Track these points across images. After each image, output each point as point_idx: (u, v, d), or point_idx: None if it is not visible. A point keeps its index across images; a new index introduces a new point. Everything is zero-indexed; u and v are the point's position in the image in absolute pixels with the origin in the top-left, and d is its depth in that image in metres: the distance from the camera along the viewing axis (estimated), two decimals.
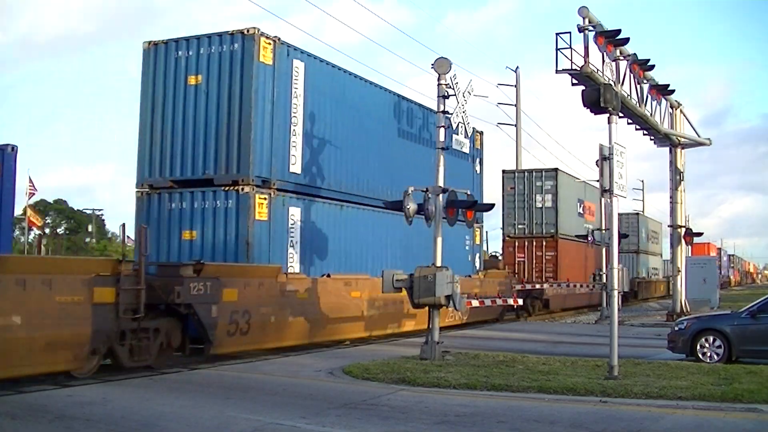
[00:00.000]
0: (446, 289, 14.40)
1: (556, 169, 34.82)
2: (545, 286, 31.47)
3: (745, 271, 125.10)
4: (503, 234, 34.41)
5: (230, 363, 14.26)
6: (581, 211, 37.29)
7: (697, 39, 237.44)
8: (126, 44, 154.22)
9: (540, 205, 33.98)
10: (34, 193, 54.31)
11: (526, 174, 35.02)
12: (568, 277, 33.73)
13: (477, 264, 26.86)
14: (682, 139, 28.50)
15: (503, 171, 35.07)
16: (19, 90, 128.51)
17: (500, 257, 34.46)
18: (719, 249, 69.71)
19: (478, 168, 26.73)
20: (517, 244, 33.88)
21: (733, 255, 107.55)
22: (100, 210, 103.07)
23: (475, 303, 23.19)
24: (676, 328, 15.68)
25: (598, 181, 12.83)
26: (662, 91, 25.38)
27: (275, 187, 16.76)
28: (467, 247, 25.78)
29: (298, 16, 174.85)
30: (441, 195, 15.11)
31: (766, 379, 11.49)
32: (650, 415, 9.30)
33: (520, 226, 34.06)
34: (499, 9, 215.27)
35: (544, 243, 33.54)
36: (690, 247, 33.26)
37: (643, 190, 75.32)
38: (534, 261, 33.38)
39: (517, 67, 43.06)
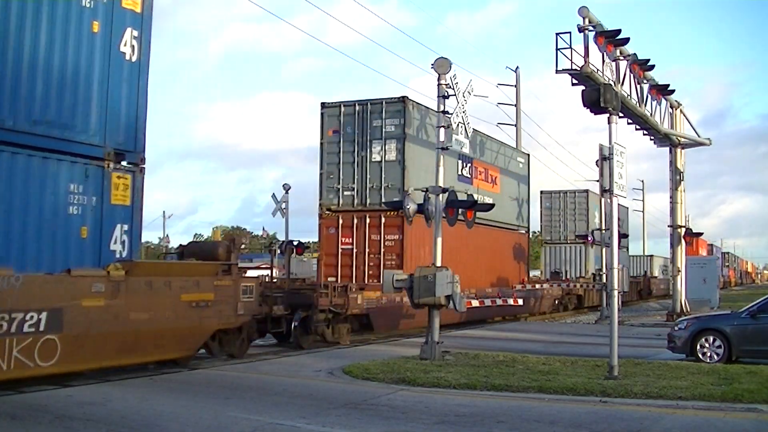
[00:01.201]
0: (446, 289, 14.40)
1: (403, 98, 22.03)
2: (354, 293, 18.70)
3: (743, 270, 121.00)
4: (320, 207, 22.63)
5: (230, 363, 14.27)
6: (465, 174, 25.60)
7: (696, 40, 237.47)
8: None
9: (378, 158, 21.87)
10: None
11: (358, 108, 22.27)
12: None
13: (118, 245, 12.86)
14: (682, 139, 28.51)
15: (322, 104, 22.76)
16: None
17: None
18: (710, 245, 66.95)
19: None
20: (342, 221, 21.98)
21: (728, 253, 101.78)
22: None
23: (475, 303, 23.21)
24: (676, 328, 15.69)
25: (598, 181, 12.84)
26: (662, 91, 25.41)
27: None
28: (76, 209, 12.19)
29: (300, 16, 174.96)
30: (441, 195, 15.11)
31: (766, 379, 11.49)
32: (650, 415, 9.30)
33: (347, 194, 22.22)
34: (499, 10, 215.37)
35: (383, 220, 21.58)
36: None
37: (643, 190, 75.39)
38: (369, 248, 21.72)
39: (517, 68, 43.00)
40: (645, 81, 23.79)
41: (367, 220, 21.92)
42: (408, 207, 15.12)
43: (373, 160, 22.07)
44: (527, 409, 9.74)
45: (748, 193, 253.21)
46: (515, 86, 42.99)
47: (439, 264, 14.99)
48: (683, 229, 29.43)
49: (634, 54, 21.33)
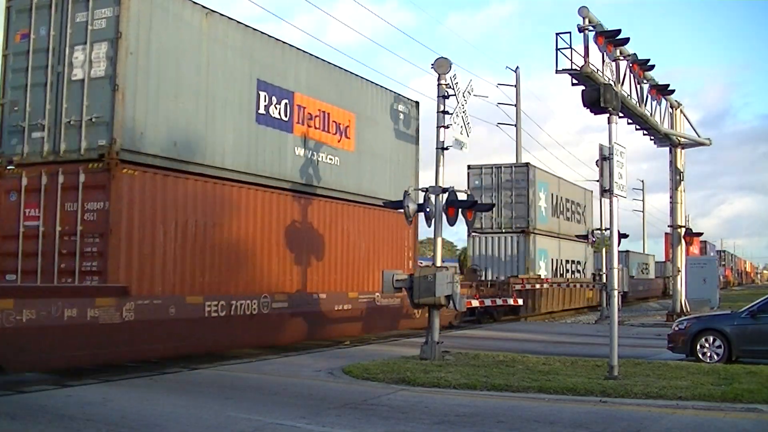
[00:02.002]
0: (446, 289, 14.40)
1: None
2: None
3: (741, 270, 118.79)
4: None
5: (230, 363, 14.27)
6: (276, 113, 17.03)
7: (696, 40, 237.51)
8: None
9: (81, 76, 13.62)
10: None
11: None
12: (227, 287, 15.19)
13: None
14: (682, 139, 28.52)
15: None
16: None
17: None
18: (702, 242, 64.83)
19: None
20: (27, 182, 13.79)
21: (724, 252, 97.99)
22: None
23: (475, 303, 23.26)
24: (676, 328, 15.69)
25: (598, 181, 12.84)
26: (662, 91, 25.40)
27: None
28: None
29: (300, 17, 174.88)
30: (441, 195, 15.11)
31: (766, 379, 11.49)
32: (650, 415, 9.30)
33: (36, 135, 13.89)
34: (499, 10, 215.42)
35: (82, 177, 13.22)
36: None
37: (643, 190, 75.43)
38: (61, 226, 13.29)
39: (517, 68, 43.02)
40: (645, 81, 23.78)
41: (60, 180, 13.39)
42: (408, 207, 15.12)
43: (73, 78, 13.68)
44: (527, 409, 9.74)
45: (748, 193, 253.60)
46: (515, 86, 43.02)
47: (438, 264, 15.00)
48: (683, 229, 29.44)
49: (634, 54, 21.33)
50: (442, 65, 15.31)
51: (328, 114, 18.67)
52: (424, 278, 14.44)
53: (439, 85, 15.45)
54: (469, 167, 33.86)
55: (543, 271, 33.61)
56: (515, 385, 11.11)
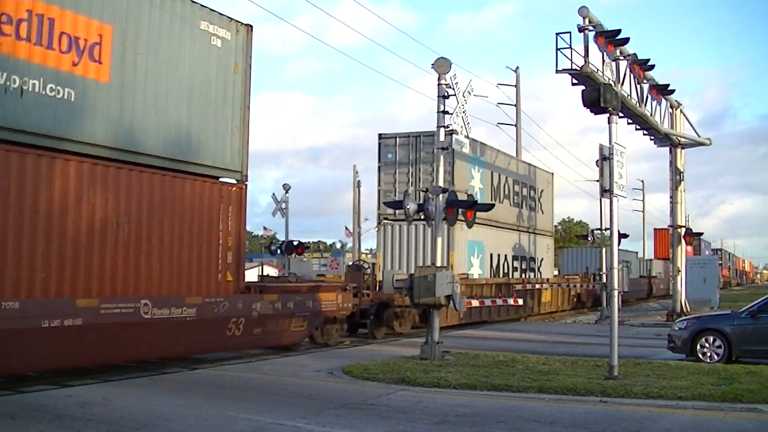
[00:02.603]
0: (446, 289, 14.41)
1: None
2: None
3: (739, 269, 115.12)
4: None
5: (230, 363, 14.27)
6: None
7: (696, 40, 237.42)
8: None
9: None
10: None
11: None
12: None
13: None
14: (682, 139, 28.52)
15: None
16: None
17: None
18: (697, 239, 62.10)
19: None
20: None
21: (720, 250, 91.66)
22: None
23: (475, 303, 23.25)
24: (676, 328, 15.70)
25: (598, 181, 12.85)
26: (662, 91, 25.40)
27: None
28: None
29: (301, 17, 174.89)
30: (441, 195, 15.11)
31: (766, 379, 11.50)
32: (650, 415, 9.30)
33: None
34: (500, 11, 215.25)
35: None
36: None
37: (643, 190, 75.36)
38: None
39: (517, 68, 42.98)
40: (645, 81, 23.78)
41: None
42: (408, 207, 15.12)
43: None
44: (527, 409, 9.74)
45: (748, 193, 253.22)
46: (515, 86, 43.01)
47: (439, 264, 15.00)
48: (683, 229, 29.44)
49: (634, 54, 21.33)
50: (442, 65, 15.31)
51: (53, 20, 11.88)
52: (424, 278, 14.45)
53: (439, 85, 15.45)
54: (380, 137, 26.66)
55: (477, 269, 26.55)
56: (515, 385, 11.11)
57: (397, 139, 26.25)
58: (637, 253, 60.74)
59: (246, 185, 15.43)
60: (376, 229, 26.48)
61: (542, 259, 33.84)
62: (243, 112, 15.48)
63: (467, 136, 16.12)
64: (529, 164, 34.50)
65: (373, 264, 24.40)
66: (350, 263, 27.25)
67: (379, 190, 26.54)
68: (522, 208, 31.80)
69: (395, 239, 25.56)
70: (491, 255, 28.35)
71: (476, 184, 27.11)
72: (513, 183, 31.08)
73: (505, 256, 29.81)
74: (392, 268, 24.48)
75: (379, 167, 26.57)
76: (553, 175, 36.63)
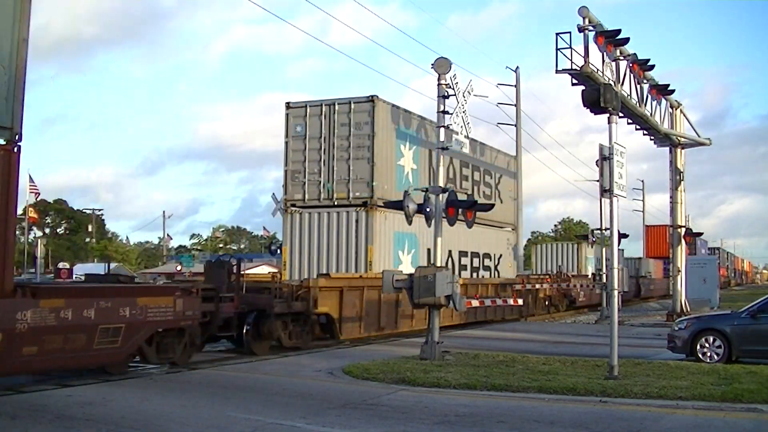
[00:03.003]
0: (446, 289, 14.41)
1: None
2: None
3: (737, 269, 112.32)
4: None
5: (230, 363, 14.27)
6: None
7: (695, 40, 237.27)
8: (131, 46, 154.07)
9: None
10: (38, 194, 54.63)
11: None
12: None
13: None
14: (682, 139, 28.52)
15: None
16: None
17: None
18: (692, 236, 59.65)
19: None
20: None
21: (717, 249, 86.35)
22: (99, 210, 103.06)
23: (475, 303, 23.21)
24: (676, 328, 15.69)
25: (598, 181, 12.84)
26: (662, 91, 25.40)
27: None
28: None
29: (302, 18, 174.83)
30: (441, 195, 15.12)
31: (766, 379, 11.49)
32: (650, 415, 9.30)
33: None
34: (500, 11, 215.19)
35: None
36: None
37: (643, 190, 75.28)
38: None
39: (517, 67, 42.88)
40: (645, 81, 23.77)
41: None
42: (408, 207, 15.12)
43: None
44: (527, 409, 9.74)
45: (748, 193, 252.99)
46: (515, 86, 42.98)
47: (439, 264, 15.00)
48: (683, 229, 29.44)
49: (634, 54, 21.32)
50: (442, 65, 15.32)
51: None
52: (424, 278, 14.45)
53: (439, 85, 15.46)
54: (288, 106, 22.25)
55: (408, 266, 21.20)
56: (515, 385, 11.11)
57: (308, 109, 21.85)
58: (623, 251, 58.66)
59: (18, 147, 10.16)
60: (279, 217, 22.27)
61: (501, 255, 29.28)
62: (13, 42, 10.24)
63: (467, 136, 16.12)
64: (483, 144, 28.94)
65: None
66: (210, 258, 22.51)
67: (285, 171, 22.13)
68: (472, 195, 26.20)
69: (304, 229, 21.64)
70: (428, 250, 21.87)
71: (407, 163, 22.60)
72: (461, 165, 26.05)
73: (449, 252, 24.33)
74: (300, 263, 21.30)
75: (286, 143, 22.09)
76: (516, 159, 32.25)
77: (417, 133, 23.40)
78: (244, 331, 15.87)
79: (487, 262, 28.09)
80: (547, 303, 32.79)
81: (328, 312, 17.85)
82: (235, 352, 16.22)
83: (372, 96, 21.27)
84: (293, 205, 21.79)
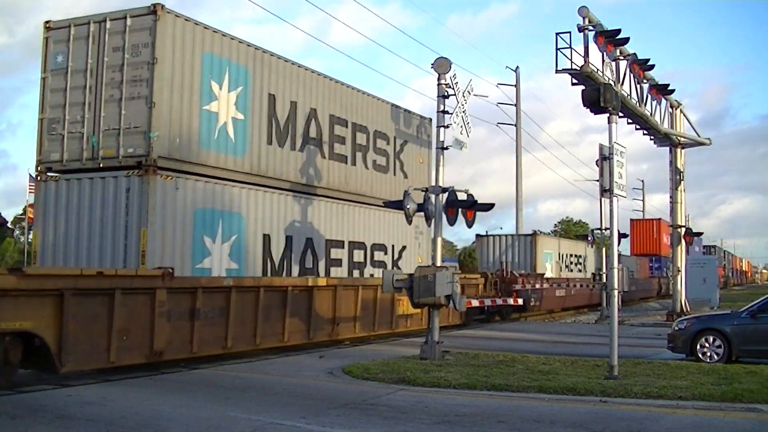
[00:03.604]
0: (446, 289, 14.41)
1: None
2: None
3: (736, 268, 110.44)
4: None
5: (230, 363, 14.27)
6: None
7: (695, 40, 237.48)
8: None
9: None
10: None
11: None
12: None
13: None
14: (682, 139, 28.51)
15: None
16: (24, 92, 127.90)
17: None
18: (688, 232, 56.41)
19: None
20: None
21: (714, 247, 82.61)
22: None
23: (475, 303, 23.19)
24: (676, 328, 15.69)
25: (598, 181, 12.84)
26: (662, 90, 25.39)
27: None
28: None
29: (303, 18, 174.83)
30: (441, 195, 15.11)
31: (766, 379, 11.50)
32: (650, 414, 9.30)
33: None
34: (500, 11, 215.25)
35: None
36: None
37: (643, 190, 75.40)
38: None
39: (517, 67, 43.02)
40: (645, 81, 23.75)
41: None
42: (408, 207, 15.12)
43: None
44: (527, 409, 9.74)
45: (748, 193, 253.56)
46: (515, 86, 43.04)
47: (438, 264, 15.00)
48: (683, 229, 29.44)
49: (634, 54, 21.31)
50: (441, 65, 15.31)
51: None
52: (424, 278, 14.45)
53: (439, 84, 15.45)
54: (47, 27, 15.78)
55: (224, 258, 15.67)
56: (515, 385, 11.11)
57: (72, 29, 15.42)
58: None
59: None
60: (31, 188, 16.05)
61: (404, 247, 22.73)
62: None
63: (467, 136, 16.10)
64: (374, 96, 21.61)
65: None
66: None
67: (41, 120, 15.61)
68: (353, 164, 20.55)
69: (67, 205, 15.02)
70: (267, 237, 16.85)
71: (223, 109, 15.92)
72: (332, 121, 19.63)
73: (309, 240, 18.46)
74: (64, 255, 14.74)
75: (43, 79, 15.65)
76: (431, 122, 22.96)
77: (241, 63, 16.37)
78: None
79: (380, 255, 21.61)
80: (478, 311, 25.26)
81: (31, 331, 10.78)
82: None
83: (155, 4, 14.60)
84: (49, 170, 15.47)
